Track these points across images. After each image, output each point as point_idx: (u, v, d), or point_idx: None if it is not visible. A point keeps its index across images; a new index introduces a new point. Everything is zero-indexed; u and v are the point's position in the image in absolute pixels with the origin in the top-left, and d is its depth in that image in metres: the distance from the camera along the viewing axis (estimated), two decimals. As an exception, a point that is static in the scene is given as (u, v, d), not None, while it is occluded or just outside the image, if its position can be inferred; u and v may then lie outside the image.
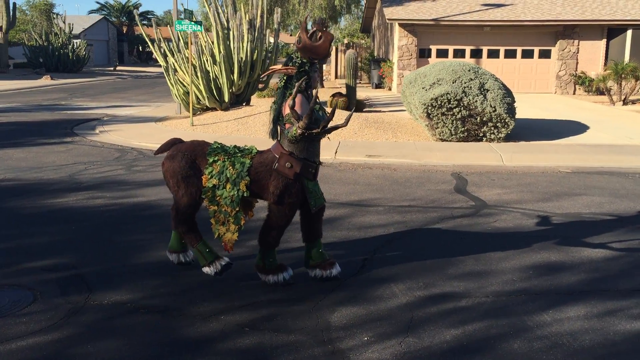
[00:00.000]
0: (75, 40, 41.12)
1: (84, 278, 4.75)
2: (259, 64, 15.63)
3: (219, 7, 15.23)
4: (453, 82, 11.47)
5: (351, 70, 15.83)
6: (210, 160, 4.47)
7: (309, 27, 4.72)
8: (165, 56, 15.48)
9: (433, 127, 11.67)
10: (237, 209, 4.43)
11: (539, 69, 22.11)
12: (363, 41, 35.80)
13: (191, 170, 4.49)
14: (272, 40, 16.40)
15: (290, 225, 4.68)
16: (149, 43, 15.95)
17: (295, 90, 4.35)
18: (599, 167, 9.73)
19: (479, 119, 11.39)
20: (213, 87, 15.27)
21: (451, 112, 11.38)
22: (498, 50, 21.97)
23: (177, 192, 4.56)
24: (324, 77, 30.80)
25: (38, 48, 38.43)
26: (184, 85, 15.36)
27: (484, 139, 11.63)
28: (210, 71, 15.17)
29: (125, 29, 57.02)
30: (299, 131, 4.26)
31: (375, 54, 28.07)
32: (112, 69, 45.76)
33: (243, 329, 3.91)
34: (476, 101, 11.22)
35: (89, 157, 10.27)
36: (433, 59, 21.54)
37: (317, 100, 4.44)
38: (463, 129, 11.51)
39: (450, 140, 11.67)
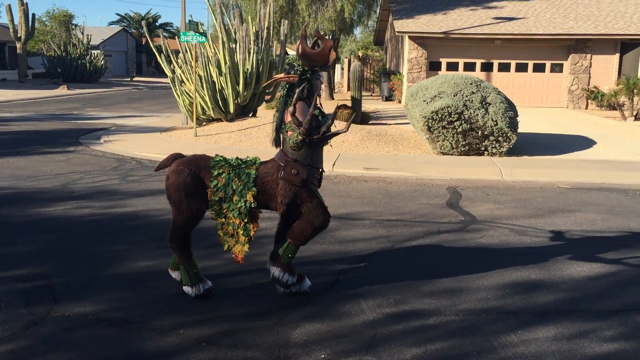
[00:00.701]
0: (93, 51, 41.59)
1: (52, 288, 4.73)
2: (264, 75, 15.66)
3: (227, 19, 15.30)
4: (454, 96, 11.38)
5: (356, 82, 15.77)
6: (215, 173, 4.43)
7: (310, 35, 4.72)
8: (172, 67, 15.57)
9: (434, 141, 11.58)
10: (246, 220, 4.41)
11: (551, 83, 21.90)
12: (377, 53, 35.83)
13: (197, 186, 4.43)
14: (278, 51, 16.41)
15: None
16: (157, 54, 16.07)
17: (295, 96, 4.35)
18: (600, 183, 9.56)
19: (480, 132, 11.28)
20: (219, 98, 15.31)
21: (452, 126, 11.28)
22: (509, 64, 21.80)
23: (179, 206, 4.47)
24: (336, 89, 30.83)
25: (56, 58, 38.92)
26: (190, 96, 15.42)
27: (486, 153, 11.51)
28: (216, 82, 15.21)
29: (144, 40, 57.58)
30: (299, 137, 4.26)
31: (388, 66, 28.03)
32: (129, 79, 46.21)
33: (200, 343, 3.85)
34: (477, 115, 11.12)
35: (87, 166, 10.32)
36: (443, 72, 21.44)
37: (320, 107, 4.44)
38: (464, 142, 11.40)
39: (452, 154, 11.57)
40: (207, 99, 15.09)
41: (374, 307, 4.48)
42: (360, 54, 37.59)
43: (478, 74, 21.79)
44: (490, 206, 7.80)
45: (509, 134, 11.26)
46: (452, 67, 21.75)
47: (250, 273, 5.13)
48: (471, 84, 11.71)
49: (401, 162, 11.00)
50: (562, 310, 4.47)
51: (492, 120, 11.15)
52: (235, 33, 15.46)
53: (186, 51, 15.37)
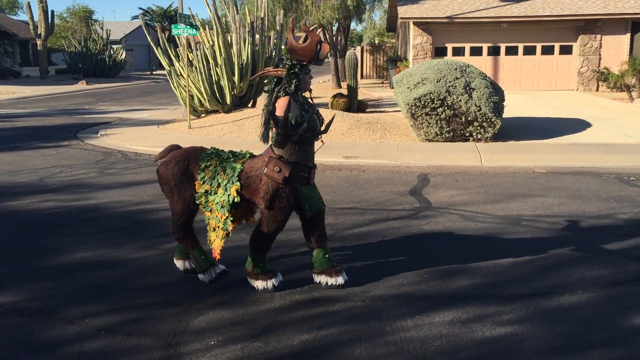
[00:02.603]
0: (114, 46, 42.15)
1: (-19, 280, 4.91)
2: (260, 66, 15.73)
3: (221, 9, 15.41)
4: (437, 82, 11.32)
5: (352, 70, 15.79)
6: (203, 165, 4.48)
7: (306, 28, 4.57)
8: (171, 60, 15.75)
9: (418, 127, 11.55)
10: (227, 215, 4.41)
11: (560, 65, 21.53)
12: (393, 40, 35.62)
13: (184, 177, 4.50)
14: (275, 42, 16.46)
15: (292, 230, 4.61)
16: (154, 47, 16.27)
17: (274, 95, 4.33)
18: (579, 167, 9.45)
19: (464, 118, 11.21)
20: (216, 90, 15.44)
21: (435, 112, 11.23)
22: (517, 47, 21.50)
23: (172, 198, 4.59)
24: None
25: (77, 54, 39.57)
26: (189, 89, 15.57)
27: (471, 138, 11.44)
28: (213, 74, 15.34)
29: (166, 34, 58.04)
30: (278, 137, 4.24)
31: (399, 53, 27.86)
32: (149, 73, 46.75)
33: (100, 332, 3.98)
34: (460, 100, 11.05)
35: (72, 160, 10.56)
36: (449, 58, 21.22)
37: (311, 101, 4.47)
38: (448, 129, 11.34)
39: (437, 141, 11.52)
40: (202, 90, 15.24)
41: (285, 295, 4.56)
42: (377, 41, 37.41)
43: (485, 58, 21.59)
44: (453, 192, 7.78)
45: (493, 120, 11.16)
46: (458, 52, 21.55)
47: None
48: (455, 69, 11.62)
49: (383, 150, 11.00)
50: (471, 295, 4.49)
51: (476, 105, 11.07)
52: (230, 24, 15.55)
53: (188, 43, 15.50)
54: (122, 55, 41.43)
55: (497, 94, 11.55)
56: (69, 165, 10.08)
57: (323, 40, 4.43)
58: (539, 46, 21.44)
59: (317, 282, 4.65)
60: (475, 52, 21.54)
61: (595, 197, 7.41)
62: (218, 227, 4.45)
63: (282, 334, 3.92)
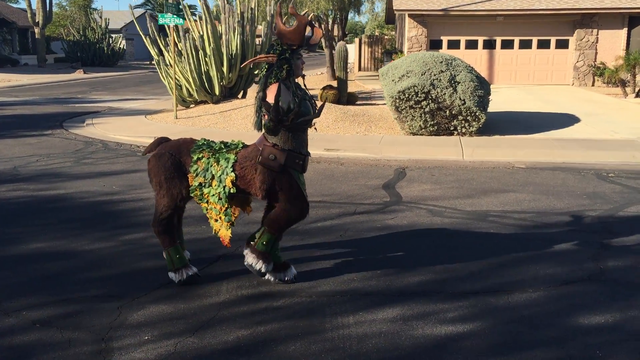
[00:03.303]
0: (113, 35, 42.03)
1: None
2: (250, 56, 15.61)
3: None
4: (422, 75, 11.20)
5: (341, 62, 15.67)
6: (195, 157, 4.37)
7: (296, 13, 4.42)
8: (161, 50, 15.67)
9: (402, 121, 11.44)
10: (226, 206, 4.35)
11: (556, 59, 21.36)
12: (393, 32, 35.42)
13: (176, 171, 4.39)
14: (266, 32, 16.34)
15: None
16: (143, 37, 16.18)
17: (264, 81, 4.23)
18: (560, 162, 9.34)
19: (448, 112, 11.10)
20: (205, 80, 15.35)
21: (419, 106, 11.12)
22: (512, 41, 21.32)
23: (159, 191, 4.47)
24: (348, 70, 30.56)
25: (75, 43, 39.49)
26: (175, 79, 15.48)
27: (455, 132, 11.33)
28: (202, 64, 15.24)
29: (156, 23, 57.85)
30: (270, 123, 4.14)
31: (397, 45, 27.69)
32: (148, 62, 46.63)
33: (34, 325, 3.92)
34: (444, 94, 10.93)
35: (51, 149, 10.49)
36: (444, 51, 21.07)
37: (305, 88, 4.35)
38: (433, 122, 11.24)
39: (421, 134, 11.42)
40: (191, 80, 15.15)
41: (232, 289, 4.49)
42: (377, 33, 37.23)
43: (480, 51, 21.43)
44: (426, 187, 7.69)
45: (477, 114, 11.04)
46: (454, 45, 21.38)
47: (131, 255, 5.18)
48: (441, 62, 11.50)
49: (365, 142, 10.90)
50: (419, 292, 4.41)
51: (460, 99, 10.95)
52: (219, 14, 15.44)
53: (184, 32, 15.38)
54: (122, 44, 41.31)
55: (482, 87, 11.42)
56: (46, 154, 10.01)
57: (313, 24, 4.32)
58: (534, 40, 21.26)
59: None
60: (471, 45, 21.37)
61: (568, 194, 7.31)
62: (220, 218, 4.39)
63: (219, 329, 3.85)
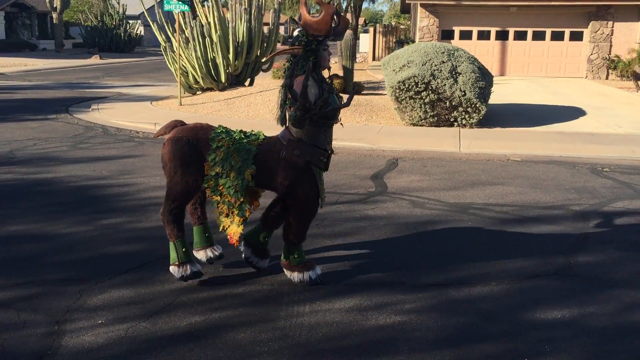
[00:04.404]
0: (131, 21, 42.23)
1: None
2: (256, 44, 15.61)
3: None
4: (423, 65, 11.11)
5: (347, 51, 15.59)
6: (214, 146, 4.14)
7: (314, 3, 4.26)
8: (168, 36, 15.72)
9: (402, 111, 11.38)
10: (242, 200, 4.14)
11: (570, 52, 21.06)
12: (409, 22, 35.16)
13: (193, 157, 4.16)
14: (273, 21, 16.30)
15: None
16: (151, 23, 16.23)
17: (289, 73, 3.95)
18: (557, 156, 9.25)
19: (448, 103, 11.01)
20: (211, 67, 15.37)
21: (419, 96, 11.04)
22: (525, 32, 21.05)
23: (173, 177, 4.21)
24: (359, 59, 30.47)
25: (93, 28, 39.76)
26: (182, 66, 15.55)
27: (455, 124, 11.24)
28: (209, 51, 15.26)
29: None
30: (297, 113, 3.92)
31: (411, 35, 27.50)
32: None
33: (-6, 306, 3.97)
34: (445, 85, 10.84)
35: (51, 133, 10.59)
36: (456, 41, 20.90)
37: (330, 84, 4.07)
38: (433, 113, 11.16)
39: (421, 125, 11.35)
40: (197, 67, 15.18)
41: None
42: (393, 23, 37.01)
43: (493, 42, 21.22)
44: (415, 178, 7.66)
45: (478, 105, 10.94)
46: (466, 35, 21.17)
47: (104, 239, 5.23)
48: (443, 53, 11.40)
49: (363, 132, 10.86)
50: (382, 282, 4.40)
51: (460, 90, 10.86)
52: (227, 1, 15.44)
53: (185, 20, 15.42)
54: (139, 30, 41.49)
55: (484, 79, 11.31)
56: (45, 138, 10.11)
57: (340, 13, 4.12)
58: (548, 32, 20.97)
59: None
60: (483, 36, 21.15)
61: (557, 187, 7.23)
62: (233, 212, 4.18)
63: (174, 315, 3.88)
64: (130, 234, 5.38)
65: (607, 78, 20.70)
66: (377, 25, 31.07)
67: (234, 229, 4.20)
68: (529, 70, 21.31)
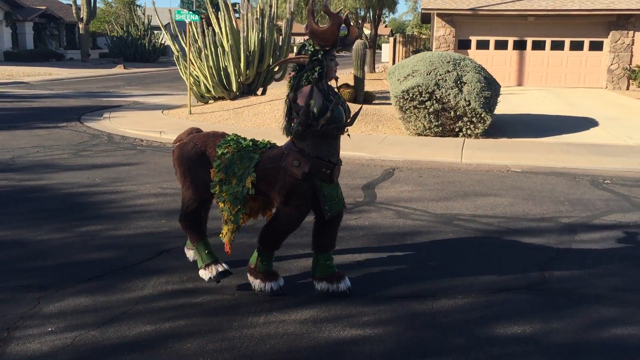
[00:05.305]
0: (155, 32, 42.77)
1: None
2: (268, 53, 15.64)
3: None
4: (427, 74, 11.01)
5: (358, 61, 15.52)
6: (219, 152, 4.19)
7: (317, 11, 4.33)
8: (181, 46, 15.85)
9: (407, 121, 11.28)
10: (239, 207, 4.17)
11: (589, 62, 20.73)
12: (430, 32, 35.00)
13: (199, 161, 4.24)
14: (285, 31, 16.34)
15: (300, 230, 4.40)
16: (164, 31, 16.39)
17: (295, 83, 3.98)
18: (560, 167, 9.06)
19: (452, 113, 10.88)
20: (223, 77, 15.45)
21: (423, 106, 10.93)
22: (544, 42, 20.79)
23: (184, 182, 4.33)
24: (378, 69, 30.40)
25: (119, 39, 40.37)
26: (193, 75, 15.65)
27: (460, 134, 11.09)
28: (220, 60, 15.34)
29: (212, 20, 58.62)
30: (299, 127, 3.91)
31: (429, 45, 27.37)
32: (190, 58, 47.34)
33: (-50, 311, 3.98)
34: (449, 94, 10.72)
35: (57, 141, 10.71)
36: (473, 51, 20.74)
37: (338, 93, 4.08)
38: (437, 123, 11.03)
39: (426, 135, 11.23)
40: (208, 76, 15.26)
41: (159, 284, 4.47)
42: (415, 32, 36.92)
43: (510, 52, 21.00)
44: (406, 188, 7.55)
45: (483, 115, 10.78)
46: (483, 45, 20.99)
47: (79, 247, 5.23)
48: (448, 62, 11.29)
49: (366, 142, 10.78)
50: (344, 294, 4.30)
51: (465, 100, 10.72)
52: (238, 11, 15.51)
53: (197, 30, 15.53)
54: (164, 40, 41.96)
55: (490, 88, 11.15)
56: (49, 145, 10.22)
57: (349, 22, 4.08)
58: (567, 41, 20.68)
59: (319, 289, 4.26)
60: (500, 45, 20.95)
61: (550, 199, 7.07)
62: (230, 219, 4.22)
63: (125, 324, 3.84)
64: (105, 241, 5.38)
65: (627, 89, 20.32)
66: (398, 35, 30.98)
67: (228, 236, 4.25)
68: (548, 81, 21.02)
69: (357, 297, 4.29)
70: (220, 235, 4.33)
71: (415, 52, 23.76)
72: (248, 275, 4.34)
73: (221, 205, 4.24)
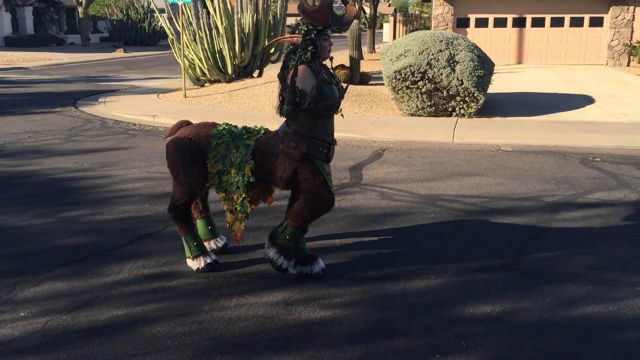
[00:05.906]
0: (156, 15, 42.59)
1: None
2: (263, 35, 15.56)
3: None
4: (419, 54, 10.93)
5: (354, 41, 15.43)
6: (214, 143, 4.16)
7: None
8: (176, 29, 15.79)
9: (400, 101, 11.23)
10: (244, 196, 4.14)
11: (590, 38, 20.53)
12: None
13: (195, 157, 4.19)
14: (280, 12, 16.24)
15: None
16: (159, 15, 16.31)
17: (286, 62, 3.96)
18: (552, 145, 9.03)
19: (445, 92, 10.82)
20: (218, 59, 15.39)
21: (415, 86, 10.87)
22: (543, 19, 20.58)
23: (177, 177, 4.27)
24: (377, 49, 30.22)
25: (119, 22, 40.23)
26: (188, 58, 15.61)
27: (454, 114, 11.04)
28: (215, 43, 15.27)
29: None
30: (288, 107, 3.88)
31: (431, 23, 27.15)
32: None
33: None
34: (442, 74, 10.65)
35: (50, 126, 10.72)
36: (472, 29, 20.59)
37: (332, 71, 4.09)
38: (430, 103, 10.98)
39: (419, 115, 11.19)
40: (203, 59, 15.21)
41: (135, 269, 4.50)
42: (417, 11, 36.64)
43: (509, 30, 20.82)
44: (393, 169, 7.54)
45: (475, 94, 10.72)
46: (482, 23, 20.81)
47: (60, 232, 5.26)
48: (441, 41, 11.20)
49: (358, 123, 10.74)
50: (318, 276, 4.31)
51: (458, 79, 10.65)
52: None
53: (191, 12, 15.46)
54: (160, 24, 41.84)
55: (483, 67, 11.07)
56: (42, 131, 10.24)
57: (347, 1, 4.00)
58: (567, 18, 20.48)
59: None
60: (500, 23, 20.76)
61: (537, 178, 7.04)
62: (236, 209, 4.19)
63: (97, 309, 3.87)
64: (87, 226, 5.41)
65: (628, 65, 20.14)
66: (398, 14, 30.75)
67: (237, 225, 4.23)
68: (548, 58, 20.85)
69: (331, 278, 4.30)
70: (228, 224, 4.30)
71: (412, 31, 23.58)
72: (267, 240, 4.24)
73: (222, 194, 4.25)
